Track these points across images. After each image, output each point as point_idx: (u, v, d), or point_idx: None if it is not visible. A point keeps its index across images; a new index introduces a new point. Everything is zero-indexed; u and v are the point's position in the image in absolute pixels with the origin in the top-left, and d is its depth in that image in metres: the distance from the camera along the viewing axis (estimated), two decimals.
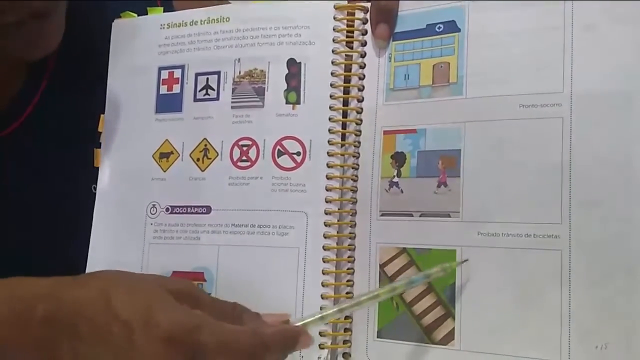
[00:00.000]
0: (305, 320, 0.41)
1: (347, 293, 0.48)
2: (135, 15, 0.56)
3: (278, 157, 0.49)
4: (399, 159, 0.48)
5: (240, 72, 0.51)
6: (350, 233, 0.48)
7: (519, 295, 0.43)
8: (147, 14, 0.56)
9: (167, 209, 0.52)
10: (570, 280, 0.42)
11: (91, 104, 0.55)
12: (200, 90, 0.52)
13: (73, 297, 0.39)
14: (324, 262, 0.47)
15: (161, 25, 0.55)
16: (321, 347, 0.46)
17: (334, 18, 0.50)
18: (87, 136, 0.55)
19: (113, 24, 0.56)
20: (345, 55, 0.50)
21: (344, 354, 0.47)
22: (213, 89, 0.52)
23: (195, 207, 0.51)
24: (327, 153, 0.49)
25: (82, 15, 0.51)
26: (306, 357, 0.46)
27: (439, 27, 0.48)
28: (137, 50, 0.55)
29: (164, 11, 0.56)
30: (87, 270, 0.53)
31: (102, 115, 0.55)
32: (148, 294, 0.39)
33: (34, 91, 0.55)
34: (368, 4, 0.50)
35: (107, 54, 0.56)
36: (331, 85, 0.49)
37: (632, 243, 0.41)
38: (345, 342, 0.47)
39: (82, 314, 0.38)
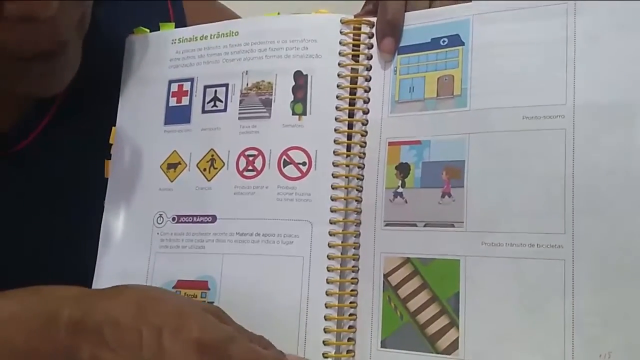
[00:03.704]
0: None
1: (350, 302, 0.48)
2: (148, 31, 0.58)
3: (284, 167, 0.50)
4: (403, 169, 0.48)
5: (247, 84, 0.52)
6: (354, 242, 0.49)
7: (522, 305, 0.43)
8: (159, 30, 0.57)
9: (173, 219, 0.52)
10: (573, 289, 0.42)
11: (104, 123, 0.56)
12: (208, 102, 0.53)
13: (101, 304, 0.39)
14: (328, 271, 0.48)
15: (172, 40, 0.56)
16: (325, 356, 0.46)
17: (341, 32, 0.51)
18: (99, 153, 0.56)
19: (126, 39, 0.58)
20: (351, 68, 0.51)
21: None
22: (221, 101, 0.53)
23: (200, 216, 0.51)
24: (333, 163, 0.49)
25: (95, 35, 0.52)
26: None
27: (444, 41, 0.49)
28: (149, 64, 0.56)
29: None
30: (95, 280, 0.53)
31: (114, 128, 0.56)
32: (179, 302, 0.40)
33: (46, 109, 0.56)
34: (374, 19, 0.51)
35: (121, 74, 0.57)
36: (337, 97, 0.50)
37: (634, 253, 0.41)
38: (349, 351, 0.47)
39: (110, 319, 0.37)
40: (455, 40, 0.49)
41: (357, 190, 0.49)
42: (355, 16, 0.52)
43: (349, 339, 0.47)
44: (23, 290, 0.42)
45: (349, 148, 0.50)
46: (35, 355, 0.39)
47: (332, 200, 0.49)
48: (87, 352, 0.38)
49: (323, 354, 0.46)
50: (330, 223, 0.48)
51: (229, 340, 0.37)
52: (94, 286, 0.53)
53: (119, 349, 0.37)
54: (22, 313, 0.40)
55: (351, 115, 0.50)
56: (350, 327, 0.47)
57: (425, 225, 0.47)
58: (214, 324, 0.38)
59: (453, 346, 0.44)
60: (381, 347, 0.46)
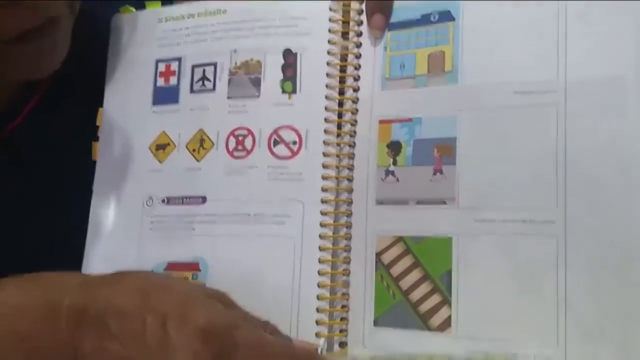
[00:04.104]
0: (334, 353, 0.42)
1: (343, 282, 0.47)
2: (134, 10, 0.57)
3: (274, 147, 0.49)
4: (394, 147, 0.48)
5: (236, 63, 0.52)
6: (346, 222, 0.48)
7: (515, 281, 0.43)
8: (145, 9, 0.56)
9: (163, 200, 0.52)
10: (566, 265, 0.42)
11: (92, 104, 0.55)
12: (196, 82, 0.52)
13: (104, 292, 0.38)
14: (320, 250, 0.47)
15: (159, 19, 0.55)
16: (318, 335, 0.46)
17: (330, 9, 0.50)
18: (88, 134, 0.55)
19: (112, 18, 0.57)
20: (341, 45, 0.50)
21: (341, 343, 0.47)
22: (209, 80, 0.52)
23: (190, 197, 0.51)
24: (323, 142, 0.49)
25: (84, 17, 0.51)
26: None
27: (434, 17, 0.48)
28: (135, 43, 0.55)
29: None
30: (84, 262, 0.53)
31: (100, 109, 0.55)
32: (184, 289, 0.39)
33: (34, 91, 0.55)
34: None
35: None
36: (327, 75, 0.50)
37: (627, 227, 0.41)
38: (341, 330, 0.47)
39: (114, 308, 0.37)
40: (446, 16, 0.48)
41: (348, 169, 0.49)
42: None
43: (342, 319, 0.47)
44: (23, 278, 0.41)
45: (339, 126, 0.49)
46: (38, 348, 0.38)
47: (324, 179, 0.48)
48: (90, 344, 0.37)
49: (316, 333, 0.46)
50: (322, 202, 0.48)
51: (234, 326, 0.36)
52: (83, 269, 0.52)
53: (124, 339, 0.36)
54: (23, 304, 0.39)
55: (341, 93, 0.50)
56: (342, 306, 0.47)
57: (417, 203, 0.47)
58: (220, 310, 0.37)
59: (445, 324, 0.44)
60: (374, 325, 0.46)
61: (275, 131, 0.50)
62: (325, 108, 0.49)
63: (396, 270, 0.46)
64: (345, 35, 0.51)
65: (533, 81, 0.45)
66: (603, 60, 0.43)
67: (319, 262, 0.47)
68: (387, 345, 0.45)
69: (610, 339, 0.40)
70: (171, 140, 0.52)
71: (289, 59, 0.50)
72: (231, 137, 0.51)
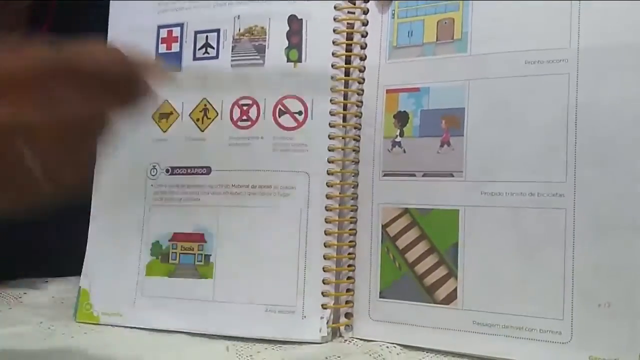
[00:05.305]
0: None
1: (349, 254, 0.47)
2: None
3: (279, 117, 0.49)
4: (401, 118, 0.47)
5: (240, 30, 0.50)
6: (352, 193, 0.48)
7: (522, 254, 0.43)
8: None
9: (167, 170, 0.51)
10: (573, 239, 0.41)
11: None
12: (199, 49, 0.51)
13: None
14: (326, 222, 0.47)
15: None
16: (324, 307, 0.46)
17: None
18: None
19: None
20: (348, 11, 0.49)
21: (347, 314, 0.47)
22: (212, 47, 0.51)
23: (195, 167, 0.50)
24: (329, 112, 0.48)
25: None
26: (309, 317, 0.46)
27: None
28: (137, 9, 0.54)
29: None
30: (89, 233, 0.52)
31: None
32: None
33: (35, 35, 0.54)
34: None
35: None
36: (333, 42, 0.48)
37: (636, 201, 0.40)
38: (347, 302, 0.47)
39: None
40: None
41: (354, 140, 0.48)
42: None
43: (348, 290, 0.47)
44: None
45: (345, 96, 0.48)
46: None
47: (329, 150, 0.48)
48: None
49: (322, 305, 0.46)
50: (328, 174, 0.47)
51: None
52: (89, 239, 0.52)
53: None
54: None
55: (348, 61, 0.49)
56: (348, 278, 0.47)
57: (423, 175, 0.46)
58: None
59: (451, 296, 0.44)
60: (380, 297, 0.46)
61: (281, 101, 0.49)
62: (332, 77, 0.48)
63: (402, 242, 0.46)
64: (352, 1, 0.49)
65: (544, 50, 0.44)
66: (615, 27, 0.42)
67: (325, 233, 0.47)
68: (392, 317, 0.46)
69: (617, 313, 0.40)
70: (174, 109, 0.52)
71: (294, 26, 0.49)
72: (235, 107, 0.50)
